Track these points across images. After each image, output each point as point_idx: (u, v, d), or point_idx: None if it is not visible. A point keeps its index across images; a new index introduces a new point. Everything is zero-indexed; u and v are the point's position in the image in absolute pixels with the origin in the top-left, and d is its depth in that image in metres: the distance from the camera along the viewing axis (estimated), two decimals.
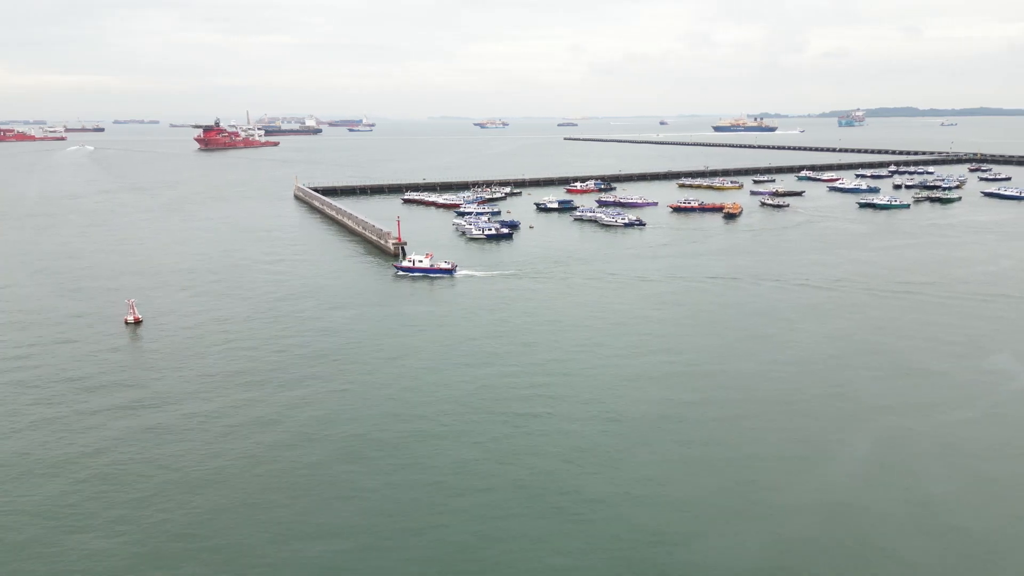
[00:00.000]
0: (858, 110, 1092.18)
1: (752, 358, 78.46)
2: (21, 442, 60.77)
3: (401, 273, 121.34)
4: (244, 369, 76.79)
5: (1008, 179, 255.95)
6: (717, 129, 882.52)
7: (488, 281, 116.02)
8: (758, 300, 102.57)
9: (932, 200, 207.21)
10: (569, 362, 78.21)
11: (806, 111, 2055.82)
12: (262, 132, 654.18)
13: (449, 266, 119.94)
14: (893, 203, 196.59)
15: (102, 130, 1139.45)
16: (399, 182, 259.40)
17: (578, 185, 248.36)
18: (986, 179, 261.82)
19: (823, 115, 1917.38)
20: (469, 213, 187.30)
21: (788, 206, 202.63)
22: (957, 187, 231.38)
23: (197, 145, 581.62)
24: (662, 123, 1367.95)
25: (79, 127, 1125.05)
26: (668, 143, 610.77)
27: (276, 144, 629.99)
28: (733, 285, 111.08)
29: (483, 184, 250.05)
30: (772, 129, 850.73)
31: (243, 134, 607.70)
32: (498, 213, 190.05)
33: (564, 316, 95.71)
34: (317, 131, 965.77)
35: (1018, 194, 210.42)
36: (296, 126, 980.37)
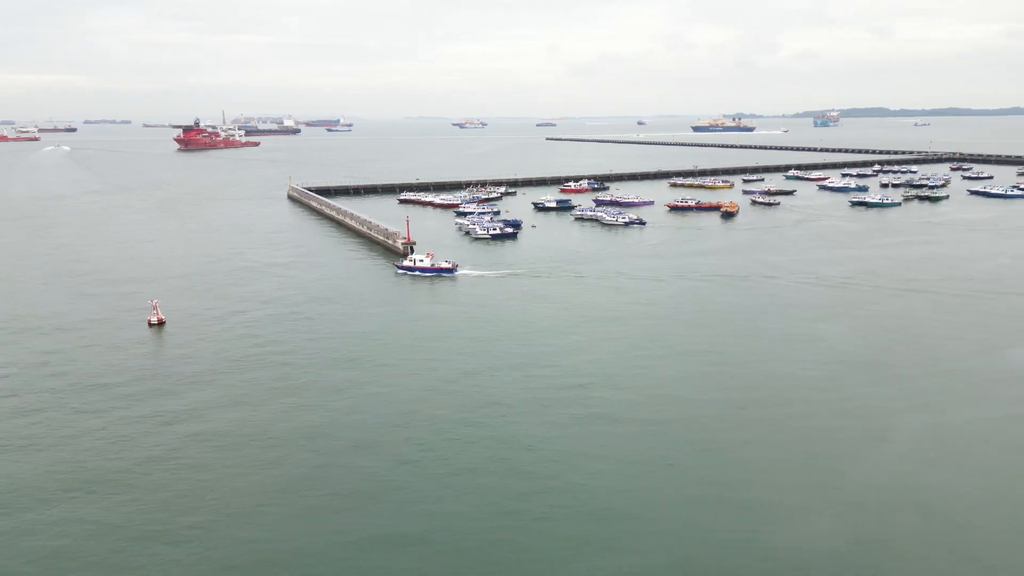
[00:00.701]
0: (833, 110, 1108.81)
1: (783, 358, 79.44)
2: (73, 452, 60.27)
3: (401, 272, 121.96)
4: (281, 374, 76.49)
5: (991, 178, 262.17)
6: (696, 129, 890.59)
7: (507, 281, 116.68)
8: (776, 298, 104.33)
9: (921, 199, 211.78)
10: (607, 362, 79.24)
11: (780, 111, 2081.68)
12: (242, 132, 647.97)
13: (450, 265, 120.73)
14: (884, 201, 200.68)
15: (74, 130, 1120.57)
16: (392, 182, 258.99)
17: (572, 185, 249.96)
18: (969, 178, 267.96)
19: (796, 115, 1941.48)
20: (470, 213, 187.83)
21: (779, 204, 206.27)
22: (943, 186, 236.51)
23: (177, 145, 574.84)
24: (640, 123, 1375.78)
25: (51, 127, 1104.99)
26: (650, 143, 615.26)
27: (257, 144, 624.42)
28: (746, 283, 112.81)
29: (478, 184, 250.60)
30: (750, 129, 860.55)
31: (223, 134, 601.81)
32: (498, 213, 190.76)
33: (589, 315, 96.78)
34: (296, 131, 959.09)
35: (1003, 192, 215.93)
36: (274, 126, 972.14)
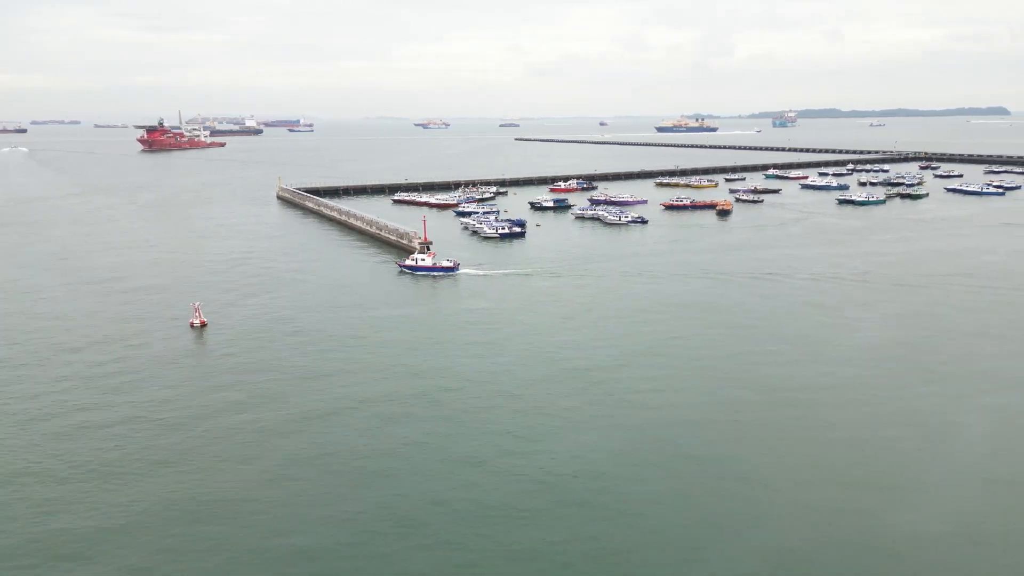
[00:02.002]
0: (790, 111, 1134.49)
1: (823, 354, 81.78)
2: (163, 458, 59.99)
3: (404, 271, 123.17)
4: (332, 370, 76.97)
5: (961, 176, 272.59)
6: (660, 130, 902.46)
7: (527, 280, 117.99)
8: (803, 295, 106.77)
9: (902, 196, 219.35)
10: (664, 358, 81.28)
11: (736, 112, 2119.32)
12: (207, 133, 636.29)
13: (451, 264, 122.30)
14: (870, 199, 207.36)
15: (24, 131, 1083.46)
16: (382, 183, 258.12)
17: (561, 184, 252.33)
18: (940, 176, 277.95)
19: (752, 116, 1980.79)
20: (473, 212, 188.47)
21: (762, 201, 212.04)
22: (919, 184, 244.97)
23: (140, 146, 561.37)
24: (602, 124, 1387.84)
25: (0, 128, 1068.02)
26: (619, 143, 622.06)
27: (223, 145, 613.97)
28: (770, 280, 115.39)
29: (470, 184, 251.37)
30: (713, 129, 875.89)
31: (188, 135, 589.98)
32: (497, 212, 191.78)
33: (628, 314, 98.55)
34: (258, 132, 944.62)
35: (979, 190, 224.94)
36: (233, 127, 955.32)
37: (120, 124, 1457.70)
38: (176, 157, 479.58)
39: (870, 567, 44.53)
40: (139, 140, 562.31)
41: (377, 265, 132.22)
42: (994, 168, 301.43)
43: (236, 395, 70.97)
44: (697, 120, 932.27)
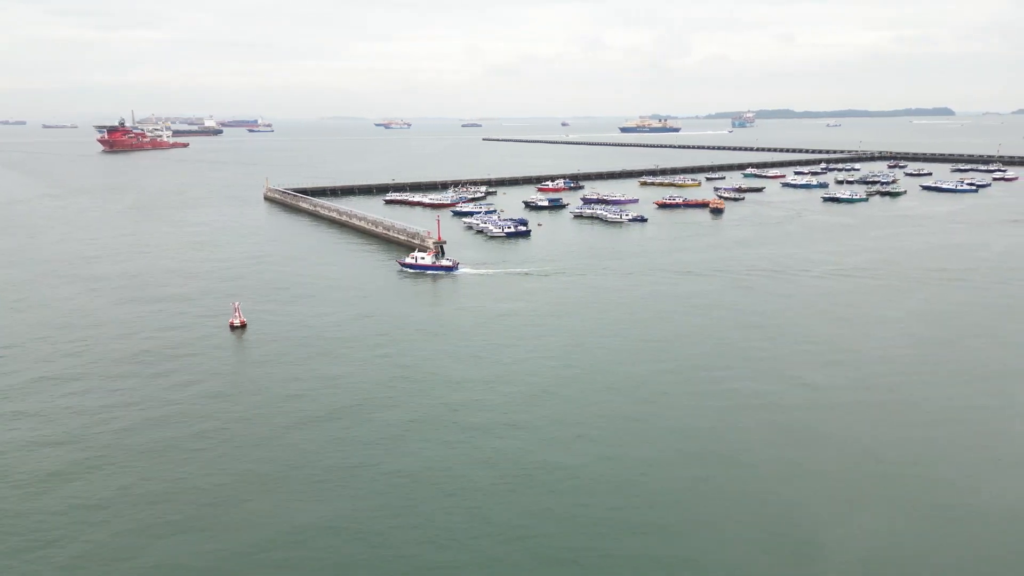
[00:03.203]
0: (748, 111, 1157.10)
1: (858, 348, 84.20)
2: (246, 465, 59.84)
3: (405, 269, 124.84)
4: (388, 372, 77.41)
5: (930, 174, 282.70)
6: (624, 130, 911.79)
7: (548, 280, 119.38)
8: (824, 292, 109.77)
9: (882, 194, 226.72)
10: (720, 357, 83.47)
11: (694, 112, 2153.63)
12: (170, 133, 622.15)
13: (451, 263, 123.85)
14: (854, 197, 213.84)
15: None
16: (369, 183, 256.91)
17: (549, 184, 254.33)
18: (911, 174, 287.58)
19: (709, 116, 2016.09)
20: (473, 212, 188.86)
21: (744, 199, 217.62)
22: (893, 182, 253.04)
23: (100, 146, 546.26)
24: (564, 124, 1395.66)
25: None
26: (588, 143, 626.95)
27: (186, 145, 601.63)
28: (786, 277, 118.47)
29: (460, 184, 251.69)
30: (676, 130, 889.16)
31: (150, 135, 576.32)
32: (494, 211, 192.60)
33: (661, 313, 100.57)
34: (218, 132, 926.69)
35: (953, 188, 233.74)
36: (194, 127, 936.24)
37: (69, 124, 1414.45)
38: (141, 158, 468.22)
39: None
40: (100, 140, 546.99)
41: (385, 263, 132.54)
42: (960, 167, 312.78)
43: (297, 393, 70.87)
44: (660, 120, 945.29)
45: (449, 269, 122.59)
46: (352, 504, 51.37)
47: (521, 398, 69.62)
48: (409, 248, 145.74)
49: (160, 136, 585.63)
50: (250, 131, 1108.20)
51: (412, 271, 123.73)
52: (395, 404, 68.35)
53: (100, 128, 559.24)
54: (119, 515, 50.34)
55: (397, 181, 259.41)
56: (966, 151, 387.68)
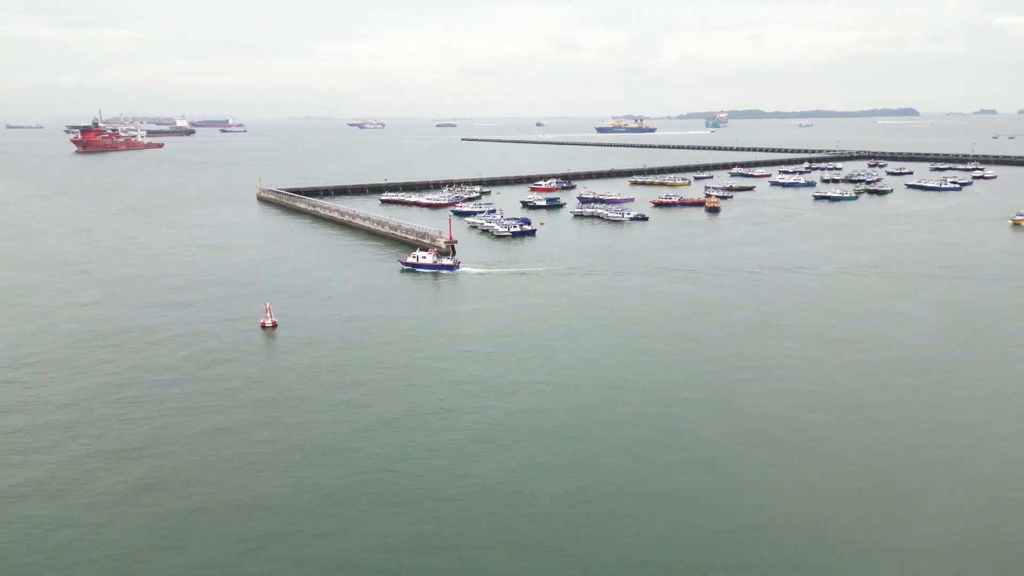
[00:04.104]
0: (722, 112, 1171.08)
1: (896, 345, 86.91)
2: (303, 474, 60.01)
3: (406, 268, 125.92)
4: (424, 369, 77.85)
5: (911, 173, 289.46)
6: (600, 130, 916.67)
7: (567, 279, 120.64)
8: (843, 288, 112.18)
9: (870, 193, 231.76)
10: (757, 357, 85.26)
11: (666, 112, 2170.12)
12: (144, 133, 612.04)
13: (452, 263, 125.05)
14: (844, 196, 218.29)
15: None
16: (361, 183, 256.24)
17: (542, 184, 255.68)
18: (892, 173, 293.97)
19: (681, 117, 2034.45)
20: (476, 212, 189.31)
21: (732, 198, 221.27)
22: (878, 180, 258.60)
23: (74, 147, 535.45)
24: (539, 124, 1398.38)
25: None
26: (567, 143, 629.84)
27: (161, 145, 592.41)
28: (800, 274, 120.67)
29: (455, 184, 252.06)
30: (652, 130, 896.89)
31: (124, 135, 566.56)
32: (494, 211, 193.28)
33: (693, 316, 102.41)
34: (191, 132, 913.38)
35: (937, 186, 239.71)
36: (166, 127, 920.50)
37: (35, 124, 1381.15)
38: (117, 158, 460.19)
39: None
40: (73, 141, 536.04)
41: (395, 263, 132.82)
42: (939, 166, 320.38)
43: (349, 399, 71.24)
44: (636, 121, 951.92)
45: (451, 268, 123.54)
46: (435, 515, 51.61)
47: (577, 400, 70.74)
48: (422, 248, 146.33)
49: (134, 136, 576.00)
50: (222, 131, 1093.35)
51: (413, 270, 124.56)
52: (451, 408, 68.95)
53: (73, 128, 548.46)
54: (213, 527, 50.15)
55: (390, 181, 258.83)
56: (942, 150, 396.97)
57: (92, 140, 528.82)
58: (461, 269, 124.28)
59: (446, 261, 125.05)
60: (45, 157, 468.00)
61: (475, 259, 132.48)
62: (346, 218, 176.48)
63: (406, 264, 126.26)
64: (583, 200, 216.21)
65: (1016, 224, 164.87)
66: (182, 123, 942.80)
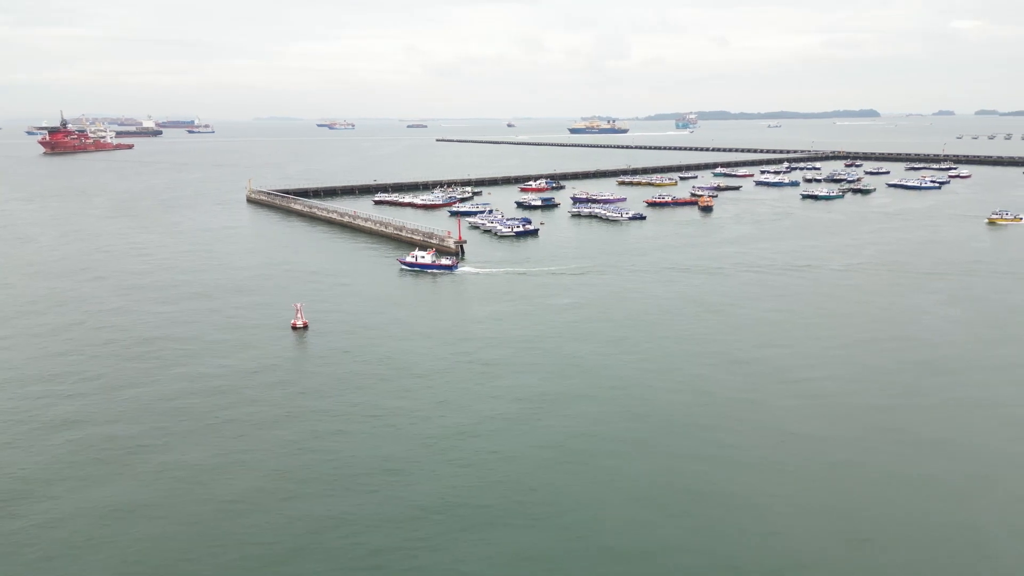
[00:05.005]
0: (691, 113, 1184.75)
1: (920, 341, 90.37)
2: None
3: (405, 268, 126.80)
4: (461, 374, 78.14)
5: (888, 172, 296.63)
6: (573, 131, 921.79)
7: (583, 279, 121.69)
8: (858, 284, 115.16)
9: (854, 191, 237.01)
10: (781, 357, 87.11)
11: (634, 114, 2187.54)
12: (113, 134, 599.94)
13: (450, 262, 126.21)
14: (831, 195, 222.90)
15: None
16: (351, 184, 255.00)
17: (532, 184, 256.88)
18: (870, 172, 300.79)
19: (649, 118, 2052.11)
20: (476, 212, 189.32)
21: (717, 196, 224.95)
22: (859, 180, 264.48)
23: (41, 148, 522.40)
24: (509, 125, 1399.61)
25: None
26: (543, 144, 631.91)
27: (131, 147, 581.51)
28: (810, 272, 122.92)
29: (444, 184, 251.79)
30: (624, 131, 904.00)
31: (93, 136, 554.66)
32: (493, 211, 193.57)
33: (723, 308, 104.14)
34: (158, 132, 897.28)
35: (918, 185, 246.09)
36: (130, 127, 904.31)
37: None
38: (88, 160, 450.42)
39: None
40: (41, 142, 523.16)
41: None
42: (915, 165, 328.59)
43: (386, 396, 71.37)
44: (608, 122, 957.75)
45: (449, 268, 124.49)
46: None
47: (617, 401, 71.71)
48: (422, 248, 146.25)
49: (103, 137, 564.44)
50: (189, 132, 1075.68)
51: (413, 270, 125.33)
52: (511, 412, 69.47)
53: (39, 129, 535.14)
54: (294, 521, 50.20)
55: (379, 182, 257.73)
56: (913, 150, 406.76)
57: (60, 141, 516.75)
58: (460, 269, 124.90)
59: (444, 261, 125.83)
60: (13, 159, 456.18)
61: (483, 259, 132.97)
62: (346, 219, 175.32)
63: (405, 264, 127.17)
64: (576, 200, 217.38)
65: (992, 223, 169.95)
66: (148, 124, 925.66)
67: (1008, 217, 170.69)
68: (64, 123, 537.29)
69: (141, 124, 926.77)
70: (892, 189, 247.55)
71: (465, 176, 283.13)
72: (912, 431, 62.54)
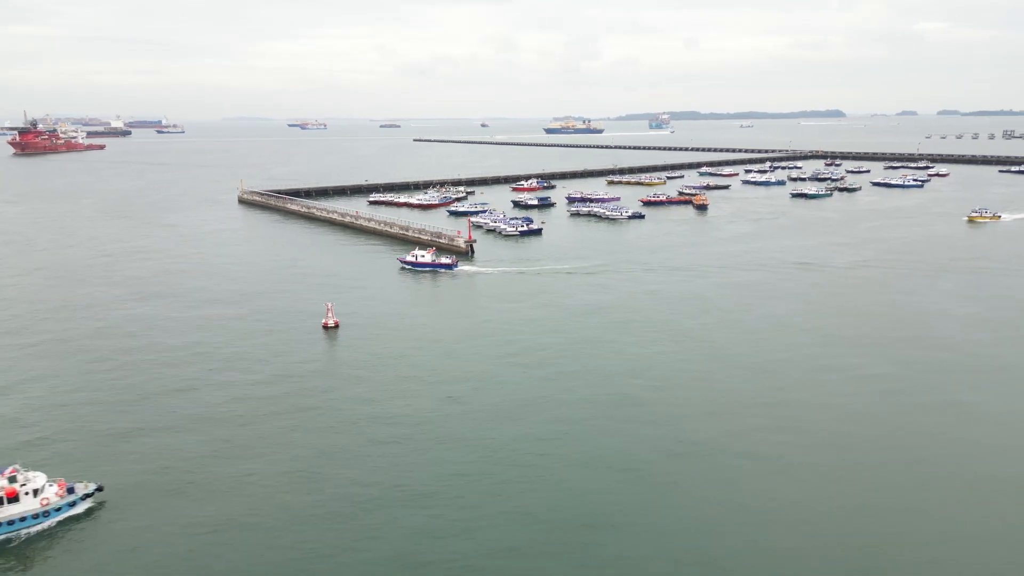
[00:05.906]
0: (664, 113, 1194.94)
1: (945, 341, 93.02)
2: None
3: (406, 267, 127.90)
4: (490, 374, 78.42)
5: (868, 171, 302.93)
6: (549, 131, 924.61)
7: (594, 278, 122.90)
8: (869, 281, 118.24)
9: (840, 190, 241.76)
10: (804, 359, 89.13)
11: (606, 114, 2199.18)
12: (84, 134, 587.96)
13: (450, 262, 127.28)
14: (819, 193, 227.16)
15: None
16: (342, 184, 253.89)
17: (524, 184, 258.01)
18: (852, 171, 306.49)
19: (621, 118, 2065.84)
20: (477, 212, 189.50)
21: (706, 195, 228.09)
22: (843, 178, 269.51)
23: (11, 149, 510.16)
24: (483, 125, 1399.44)
25: None
26: (520, 144, 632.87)
27: (102, 147, 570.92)
28: (816, 270, 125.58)
29: (436, 184, 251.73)
30: (600, 131, 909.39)
31: (64, 136, 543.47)
32: (490, 211, 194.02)
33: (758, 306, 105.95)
34: (127, 133, 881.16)
35: (901, 183, 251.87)
36: (98, 127, 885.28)
37: None
38: (61, 160, 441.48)
39: None
40: (10, 143, 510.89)
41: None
42: (893, 164, 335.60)
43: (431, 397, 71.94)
44: (584, 122, 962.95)
45: (448, 267, 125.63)
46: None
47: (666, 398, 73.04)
48: (440, 248, 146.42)
49: (75, 138, 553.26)
50: (158, 132, 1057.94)
51: (413, 268, 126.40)
52: (554, 406, 70.36)
53: (8, 129, 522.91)
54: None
55: (370, 182, 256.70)
56: (890, 150, 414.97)
57: (31, 142, 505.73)
58: (459, 268, 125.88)
59: (444, 260, 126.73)
60: None
61: (492, 258, 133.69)
62: (347, 219, 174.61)
63: (405, 263, 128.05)
64: (572, 199, 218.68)
65: (971, 220, 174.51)
66: (117, 124, 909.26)
67: (987, 215, 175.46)
68: (34, 123, 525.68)
69: (109, 124, 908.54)
70: (876, 188, 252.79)
71: (455, 176, 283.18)
72: (947, 433, 64.80)
